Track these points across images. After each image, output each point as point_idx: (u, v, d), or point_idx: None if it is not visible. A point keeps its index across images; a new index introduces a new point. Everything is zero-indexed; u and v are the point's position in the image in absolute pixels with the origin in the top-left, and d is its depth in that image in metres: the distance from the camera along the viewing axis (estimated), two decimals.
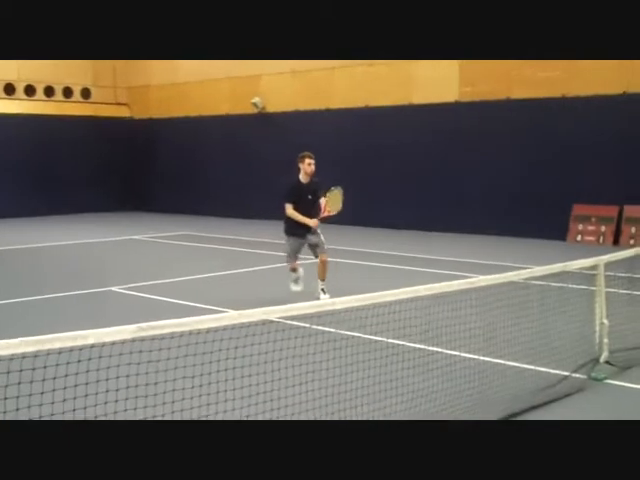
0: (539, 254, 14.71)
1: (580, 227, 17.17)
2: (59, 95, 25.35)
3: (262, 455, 3.37)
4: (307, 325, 8.34)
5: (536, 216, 17.56)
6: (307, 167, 10.34)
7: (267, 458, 3.35)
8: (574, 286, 8.81)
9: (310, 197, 10.42)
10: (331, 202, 10.62)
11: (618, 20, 4.48)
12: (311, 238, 10.46)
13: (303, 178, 10.43)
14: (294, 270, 10.65)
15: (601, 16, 4.47)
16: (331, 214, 10.64)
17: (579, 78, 16.99)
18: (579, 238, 17.13)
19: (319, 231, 10.48)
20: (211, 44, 4.49)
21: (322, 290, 10.42)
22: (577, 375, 6.75)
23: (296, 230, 10.43)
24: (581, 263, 7.05)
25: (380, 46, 4.63)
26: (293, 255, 10.57)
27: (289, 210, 10.32)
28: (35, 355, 3.73)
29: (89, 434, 3.40)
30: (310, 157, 10.41)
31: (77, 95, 25.85)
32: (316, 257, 10.61)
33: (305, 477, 3.27)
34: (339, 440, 3.53)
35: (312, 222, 10.28)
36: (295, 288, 10.62)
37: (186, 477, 3.20)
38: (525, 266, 9.42)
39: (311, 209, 10.42)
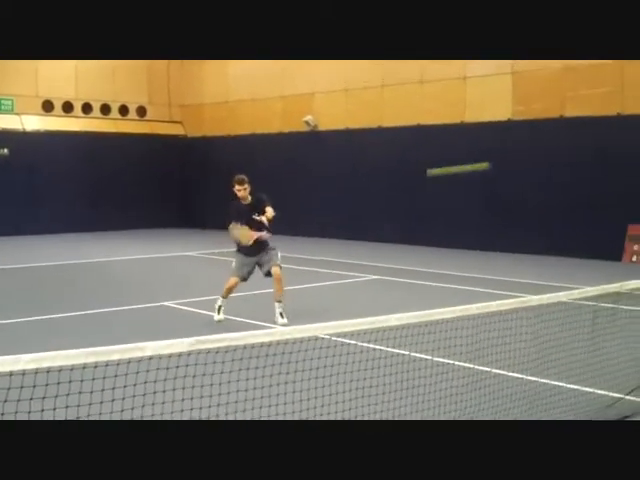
0: (593, 275, 14.51)
1: (635, 247, 16.92)
2: (115, 113, 25.92)
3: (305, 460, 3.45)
4: (353, 342, 8.38)
5: (591, 236, 17.34)
6: (237, 193, 9.95)
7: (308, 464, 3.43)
8: (627, 307, 8.70)
9: (258, 215, 9.85)
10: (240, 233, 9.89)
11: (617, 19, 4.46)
12: (262, 256, 9.88)
13: (242, 199, 9.99)
14: (225, 296, 9.99)
15: (599, 15, 4.46)
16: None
17: (634, 95, 16.78)
18: (634, 259, 16.88)
19: (274, 249, 9.92)
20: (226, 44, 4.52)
21: (280, 314, 9.57)
22: (630, 397, 6.68)
23: (245, 248, 9.86)
24: (635, 284, 6.99)
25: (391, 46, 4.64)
26: (239, 271, 9.89)
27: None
28: (95, 366, 3.87)
29: (148, 439, 3.51)
30: (239, 182, 9.89)
31: (133, 113, 26.40)
32: (266, 275, 9.91)
33: None
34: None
35: (251, 236, 9.69)
36: (216, 317, 9.91)
37: None
38: (579, 287, 9.33)
39: (262, 226, 9.88)
